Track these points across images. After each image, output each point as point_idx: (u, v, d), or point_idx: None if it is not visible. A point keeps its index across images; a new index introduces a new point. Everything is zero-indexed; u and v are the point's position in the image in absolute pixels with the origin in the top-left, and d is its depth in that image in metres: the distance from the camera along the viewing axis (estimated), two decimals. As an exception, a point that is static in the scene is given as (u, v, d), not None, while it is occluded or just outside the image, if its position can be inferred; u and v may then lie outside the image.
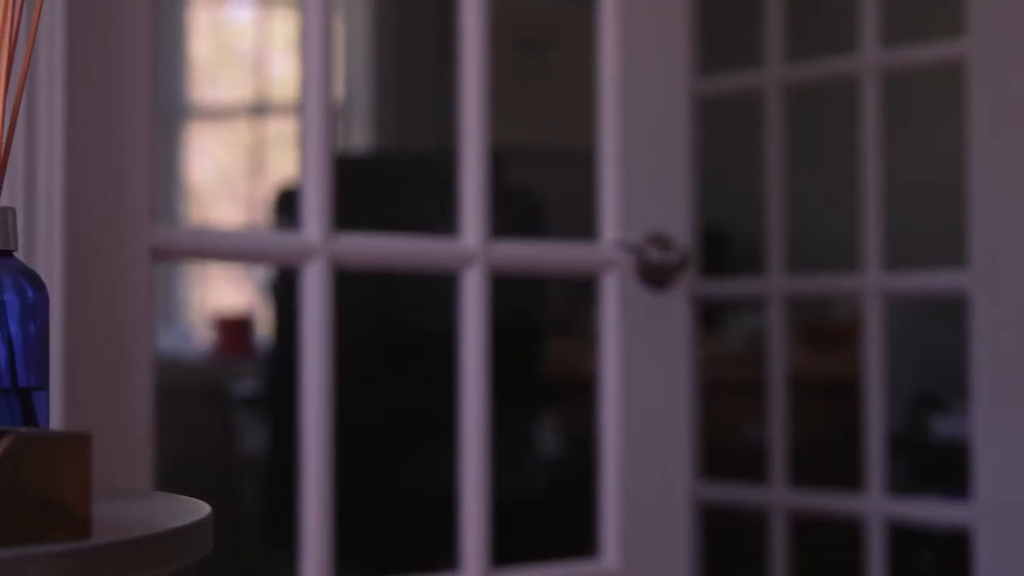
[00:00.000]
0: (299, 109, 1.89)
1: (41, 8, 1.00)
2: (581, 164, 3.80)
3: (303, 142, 1.86)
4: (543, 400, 3.50)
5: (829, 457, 3.05)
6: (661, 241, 2.06)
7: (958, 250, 2.56)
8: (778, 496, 2.79)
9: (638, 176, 2.07)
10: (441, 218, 2.61)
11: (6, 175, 0.97)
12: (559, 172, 3.83)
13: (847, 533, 2.84)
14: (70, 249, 1.57)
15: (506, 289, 3.04)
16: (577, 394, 3.55)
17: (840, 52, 2.82)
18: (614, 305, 2.05)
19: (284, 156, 5.16)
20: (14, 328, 0.96)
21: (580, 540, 2.78)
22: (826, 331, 3.28)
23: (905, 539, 2.74)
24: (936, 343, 3.15)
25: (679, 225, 2.09)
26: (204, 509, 0.94)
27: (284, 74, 5.39)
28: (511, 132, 3.82)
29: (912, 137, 3.06)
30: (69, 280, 1.57)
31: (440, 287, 2.64)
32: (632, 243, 2.05)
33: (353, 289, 1.90)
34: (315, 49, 1.83)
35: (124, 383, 1.66)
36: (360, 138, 4.26)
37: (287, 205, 3.04)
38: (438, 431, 2.59)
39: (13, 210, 0.98)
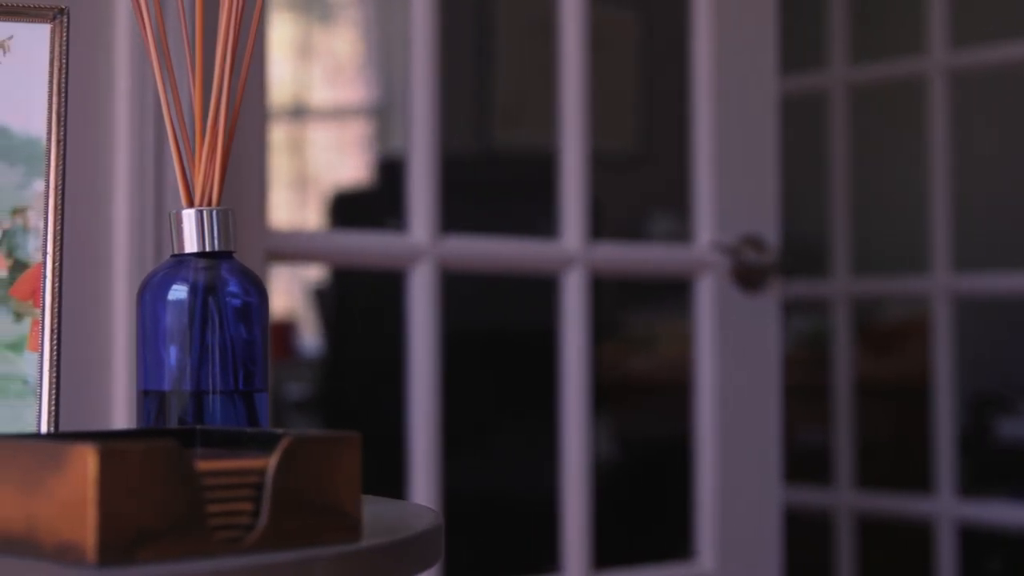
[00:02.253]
0: (380, 111, 1.87)
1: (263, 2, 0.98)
2: (622, 166, 3.79)
3: (409, 144, 1.84)
4: (597, 404, 3.49)
5: (885, 459, 3.05)
6: (755, 243, 2.05)
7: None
8: (844, 498, 2.78)
9: (731, 178, 2.06)
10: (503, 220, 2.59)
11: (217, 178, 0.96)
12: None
13: (903, 534, 2.84)
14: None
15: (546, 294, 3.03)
16: (624, 397, 3.54)
17: (906, 53, 2.81)
18: (709, 307, 2.04)
19: (280, 160, 5.11)
20: (237, 329, 0.95)
21: (641, 542, 2.77)
22: (880, 333, 3.28)
23: (972, 541, 2.74)
24: (995, 343, 3.15)
25: (770, 226, 2.09)
26: (431, 512, 0.93)
27: (277, 77, 5.36)
28: (550, 135, 3.81)
29: (975, 139, 3.06)
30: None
31: (508, 285, 2.63)
32: (728, 244, 2.04)
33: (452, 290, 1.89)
34: (421, 51, 1.82)
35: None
36: (402, 140, 4.24)
37: (343, 210, 3.02)
38: (528, 431, 2.58)
39: (232, 211, 0.97)
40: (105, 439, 0.81)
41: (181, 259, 0.96)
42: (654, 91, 3.89)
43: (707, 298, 2.04)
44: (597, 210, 3.42)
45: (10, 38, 1.01)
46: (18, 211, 0.99)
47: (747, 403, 2.06)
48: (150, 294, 0.95)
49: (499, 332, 2.93)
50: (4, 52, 1.00)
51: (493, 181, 3.30)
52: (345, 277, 2.88)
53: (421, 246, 1.81)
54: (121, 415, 1.51)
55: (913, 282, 2.81)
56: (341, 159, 5.10)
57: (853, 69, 2.81)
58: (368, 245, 1.85)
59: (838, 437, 2.79)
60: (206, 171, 0.96)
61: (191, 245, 0.96)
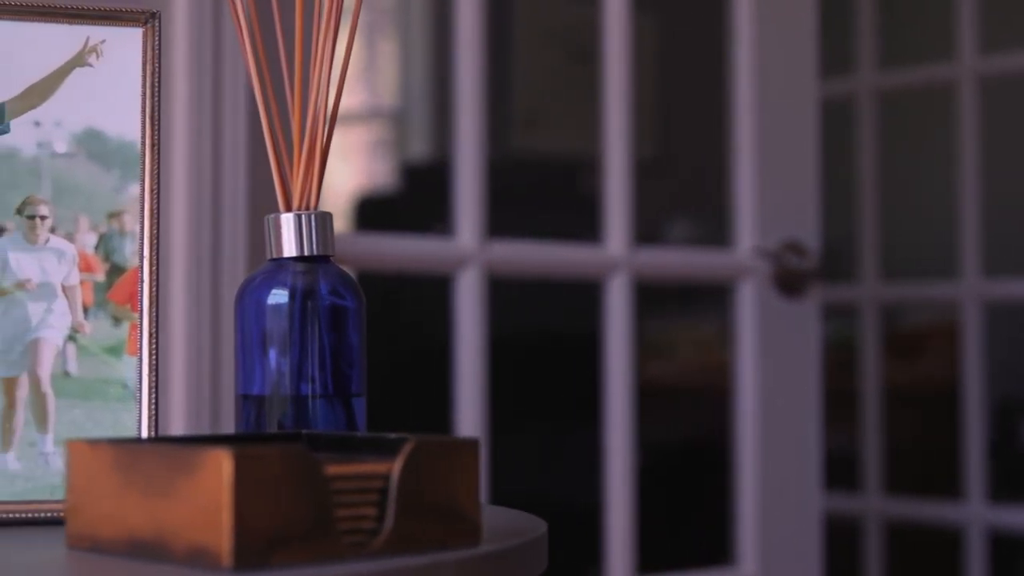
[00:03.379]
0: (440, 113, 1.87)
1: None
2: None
3: (456, 147, 1.84)
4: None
5: (910, 465, 3.05)
6: (796, 248, 2.05)
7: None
8: (873, 504, 2.78)
9: (771, 182, 2.06)
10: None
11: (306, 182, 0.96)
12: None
13: (932, 540, 2.84)
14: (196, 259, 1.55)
15: (584, 299, 3.02)
16: (643, 403, 3.53)
17: (935, 59, 2.81)
18: (750, 313, 2.04)
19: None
20: (335, 333, 0.95)
21: (670, 545, 2.77)
22: (903, 338, 3.27)
23: (1002, 547, 2.74)
24: (1019, 347, 3.14)
25: (810, 231, 2.09)
26: (533, 519, 0.93)
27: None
28: (568, 141, 3.81)
29: (1004, 145, 3.06)
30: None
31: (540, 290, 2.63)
32: (770, 250, 2.04)
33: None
34: (468, 51, 1.82)
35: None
36: (416, 146, 4.24)
37: (366, 215, 3.02)
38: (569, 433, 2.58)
39: (330, 215, 0.97)
40: (229, 443, 0.81)
41: (280, 263, 0.96)
42: (671, 96, 3.90)
43: (748, 303, 2.04)
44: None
45: (102, 42, 1.00)
46: (114, 215, 0.98)
47: (788, 409, 2.06)
48: (249, 298, 0.95)
49: (530, 335, 2.93)
50: (97, 56, 1.00)
51: (512, 186, 3.30)
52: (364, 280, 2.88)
53: (468, 251, 1.81)
54: (178, 422, 1.50)
55: (942, 288, 2.81)
56: (344, 165, 5.10)
57: (881, 75, 2.81)
58: (415, 250, 1.85)
59: (866, 443, 2.79)
60: (305, 175, 0.96)
61: (290, 249, 0.95)
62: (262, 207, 1.57)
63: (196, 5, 1.50)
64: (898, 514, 2.80)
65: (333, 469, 0.74)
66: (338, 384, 0.95)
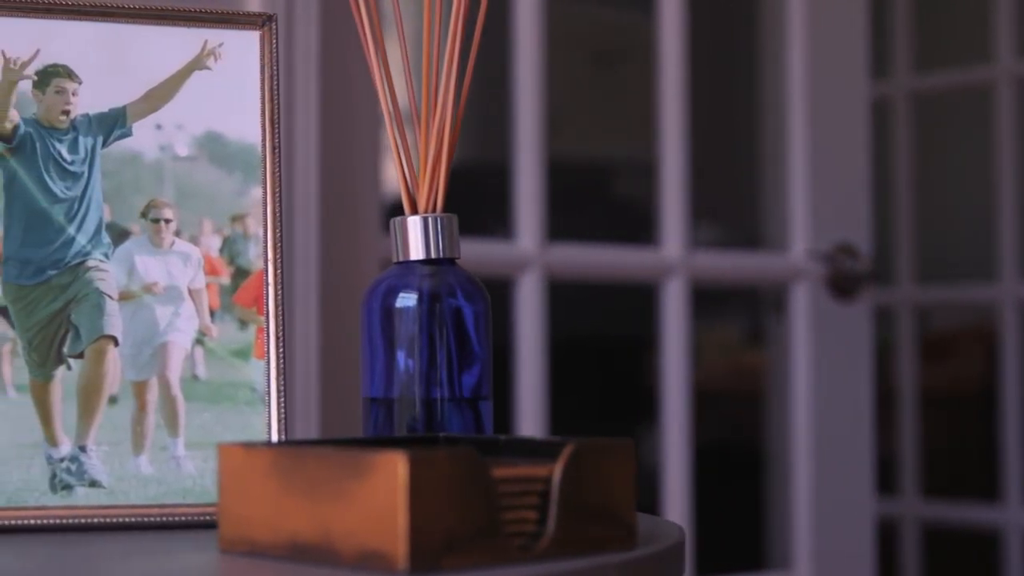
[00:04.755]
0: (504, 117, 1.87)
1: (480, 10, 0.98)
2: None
3: (515, 153, 1.84)
4: (646, 414, 3.49)
5: (943, 468, 3.05)
6: (849, 250, 2.05)
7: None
8: (910, 507, 2.78)
9: (824, 185, 2.06)
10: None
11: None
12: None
13: (969, 543, 2.84)
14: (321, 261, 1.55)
15: (618, 302, 3.02)
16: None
17: (971, 61, 2.82)
18: (804, 316, 2.04)
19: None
20: (463, 336, 0.95)
21: (706, 548, 2.76)
22: (933, 342, 3.28)
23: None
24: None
25: (863, 234, 2.09)
26: (666, 522, 0.92)
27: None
28: (595, 145, 3.81)
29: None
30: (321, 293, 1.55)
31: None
32: (824, 252, 2.04)
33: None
34: (528, 55, 1.82)
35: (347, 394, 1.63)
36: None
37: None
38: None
39: (456, 217, 0.96)
40: (384, 446, 0.81)
41: (407, 266, 0.96)
42: (691, 100, 3.90)
43: (802, 306, 2.04)
44: (646, 219, 3.43)
45: (220, 45, 1.00)
46: (237, 218, 0.98)
47: (841, 413, 2.06)
48: (376, 301, 0.95)
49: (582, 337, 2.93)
50: (215, 59, 1.00)
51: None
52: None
53: (529, 254, 1.81)
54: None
55: (979, 290, 2.81)
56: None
57: (917, 77, 2.82)
58: (478, 253, 1.84)
59: (903, 446, 2.80)
60: (431, 178, 0.96)
61: (417, 252, 0.95)
62: (326, 207, 1.57)
63: (310, 9, 1.50)
64: (934, 517, 2.80)
65: (499, 472, 0.74)
66: (465, 387, 0.95)
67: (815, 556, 2.02)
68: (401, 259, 0.96)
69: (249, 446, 0.79)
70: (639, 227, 3.37)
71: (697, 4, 2.01)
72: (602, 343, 3.34)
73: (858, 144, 2.10)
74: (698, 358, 3.62)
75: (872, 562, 2.09)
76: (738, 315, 3.66)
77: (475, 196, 2.80)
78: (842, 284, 2.05)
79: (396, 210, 1.36)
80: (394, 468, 0.71)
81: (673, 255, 1.93)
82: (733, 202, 3.07)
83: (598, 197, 3.36)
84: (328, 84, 1.57)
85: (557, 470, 0.76)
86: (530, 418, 1.80)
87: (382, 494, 0.71)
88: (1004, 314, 2.65)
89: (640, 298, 3.55)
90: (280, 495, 0.76)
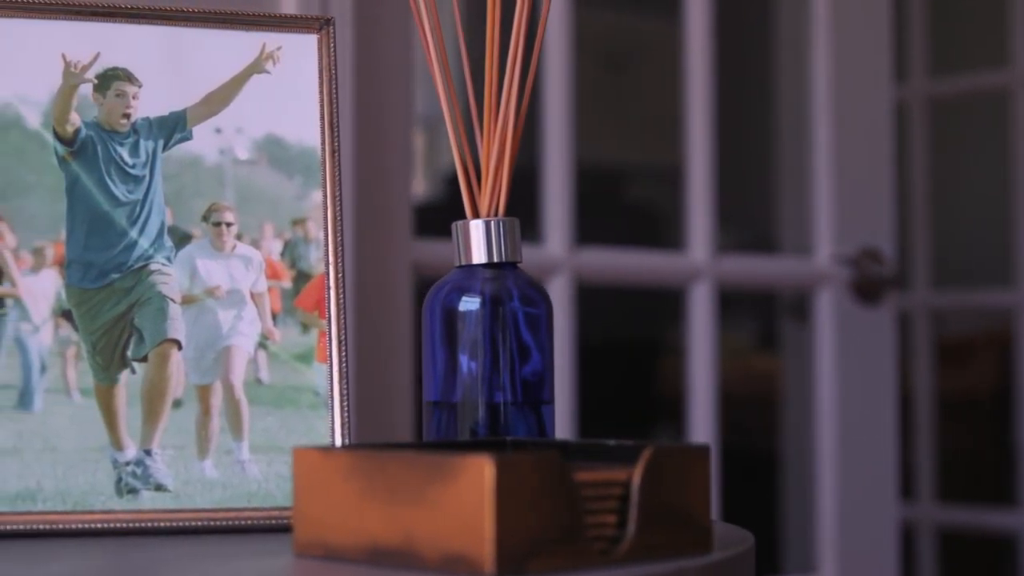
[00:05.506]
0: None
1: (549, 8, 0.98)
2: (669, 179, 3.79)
3: (544, 159, 1.84)
4: (657, 420, 3.50)
5: (957, 473, 3.05)
6: (874, 255, 2.05)
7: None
8: (927, 512, 2.78)
9: (848, 189, 2.06)
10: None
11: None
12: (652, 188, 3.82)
13: (985, 548, 2.84)
14: (355, 265, 1.55)
15: (625, 308, 3.02)
16: (681, 410, 3.54)
17: (988, 66, 2.82)
18: (829, 320, 2.04)
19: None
20: (525, 340, 0.95)
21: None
22: (947, 347, 3.28)
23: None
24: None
25: (887, 238, 2.09)
26: (731, 526, 0.92)
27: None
28: (601, 149, 3.81)
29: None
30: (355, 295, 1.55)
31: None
32: (850, 257, 2.04)
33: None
34: (558, 63, 1.82)
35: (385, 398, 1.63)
36: (448, 153, 4.25)
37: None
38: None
39: (518, 220, 0.96)
40: (461, 450, 0.81)
41: (469, 269, 0.95)
42: (680, 102, 3.90)
43: (827, 311, 2.04)
44: (659, 224, 3.43)
45: (278, 49, 1.00)
46: (298, 222, 0.98)
47: (865, 418, 2.06)
48: (439, 305, 0.95)
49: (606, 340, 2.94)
50: (274, 63, 1.00)
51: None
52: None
53: (558, 258, 1.81)
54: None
55: (995, 295, 2.81)
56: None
57: (933, 82, 2.82)
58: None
59: (919, 451, 2.80)
60: (494, 181, 0.96)
61: (479, 256, 0.95)
62: (358, 209, 1.57)
63: (344, 14, 1.50)
64: (950, 521, 2.80)
65: (581, 476, 0.74)
66: (528, 391, 0.94)
67: (840, 560, 2.02)
68: (463, 263, 0.96)
69: (325, 450, 0.79)
70: (651, 231, 3.38)
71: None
72: (615, 347, 3.34)
73: (882, 148, 2.10)
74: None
75: (896, 566, 2.09)
76: (750, 319, 3.66)
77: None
78: (867, 288, 2.05)
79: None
80: (481, 472, 0.71)
81: (700, 259, 1.93)
82: (747, 207, 3.07)
83: (609, 201, 3.36)
84: (361, 88, 1.57)
85: (637, 474, 0.76)
86: (560, 421, 1.79)
87: (468, 498, 0.71)
88: (1020, 319, 2.65)
89: (649, 302, 3.55)
90: (359, 499, 0.76)
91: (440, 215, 3.05)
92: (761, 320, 3.73)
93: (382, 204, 1.63)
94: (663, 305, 3.64)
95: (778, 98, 2.43)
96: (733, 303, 3.35)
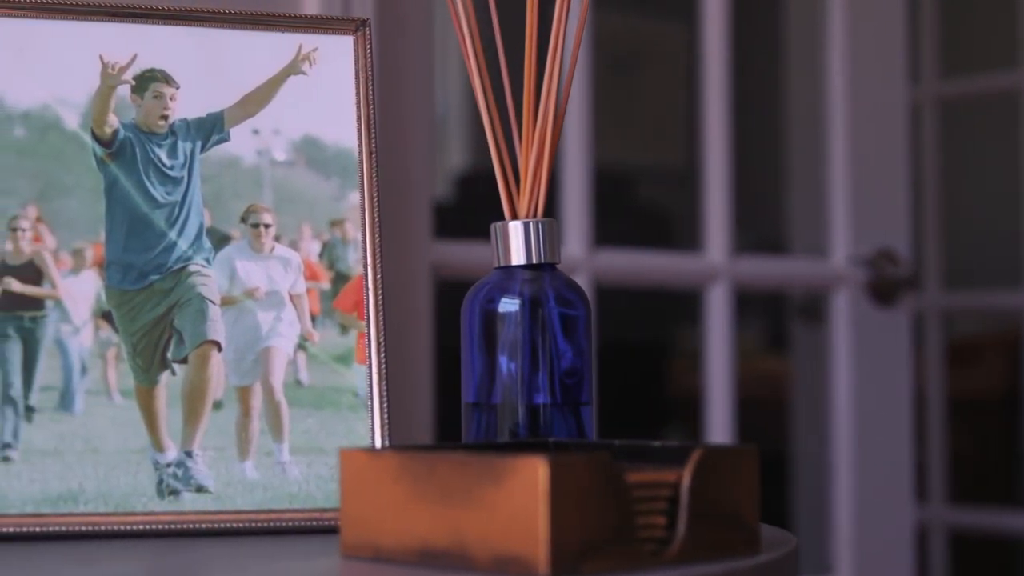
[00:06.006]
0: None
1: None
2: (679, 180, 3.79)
3: (563, 160, 1.84)
4: (670, 418, 3.50)
5: (966, 474, 3.05)
6: (890, 256, 2.06)
7: None
8: (937, 513, 2.78)
9: (864, 190, 2.06)
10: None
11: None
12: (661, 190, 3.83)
13: (994, 549, 2.84)
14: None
15: (634, 309, 3.02)
16: (691, 413, 3.54)
17: (999, 67, 2.82)
18: (845, 321, 2.04)
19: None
20: (564, 341, 0.95)
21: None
22: (955, 348, 3.28)
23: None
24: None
25: (902, 239, 2.09)
26: (773, 528, 0.92)
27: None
28: (607, 150, 3.81)
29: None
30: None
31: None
32: (866, 258, 2.04)
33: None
34: (580, 65, 1.82)
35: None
36: (455, 154, 4.24)
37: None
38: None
39: (556, 222, 0.96)
40: (510, 451, 0.81)
41: (508, 271, 0.95)
42: (696, 103, 3.91)
43: (843, 312, 2.04)
44: (667, 225, 3.43)
45: (315, 50, 1.00)
46: (336, 223, 0.98)
47: (881, 419, 2.06)
48: (478, 306, 0.95)
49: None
50: (310, 64, 1.00)
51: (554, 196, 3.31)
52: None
53: (577, 259, 1.81)
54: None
55: (1004, 297, 2.81)
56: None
57: (944, 83, 2.82)
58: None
59: (930, 453, 2.80)
60: (532, 182, 0.96)
61: (518, 257, 0.95)
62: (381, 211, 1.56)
63: (366, 14, 1.50)
64: (960, 523, 2.80)
65: (632, 477, 0.74)
66: (567, 392, 0.94)
67: (856, 561, 2.02)
68: (502, 264, 0.96)
69: (373, 451, 0.79)
70: (660, 232, 3.38)
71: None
72: (624, 348, 3.35)
73: (897, 149, 2.10)
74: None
75: (912, 567, 2.09)
76: (757, 320, 3.66)
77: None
78: (882, 289, 2.05)
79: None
80: (535, 473, 0.71)
81: (717, 260, 1.93)
82: (750, 208, 3.07)
83: (617, 203, 3.36)
84: (382, 90, 1.57)
85: (686, 475, 0.76)
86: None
87: (521, 499, 0.71)
88: (1033, 320, 2.65)
89: (657, 303, 3.55)
90: (408, 500, 0.76)
91: (449, 216, 3.07)
92: (769, 321, 3.74)
93: (402, 206, 1.63)
94: (671, 307, 3.65)
95: (786, 99, 2.43)
96: (741, 304, 3.35)
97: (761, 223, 3.28)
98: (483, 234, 1.79)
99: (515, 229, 0.95)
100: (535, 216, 0.96)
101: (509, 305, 0.94)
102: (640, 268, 1.95)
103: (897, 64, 2.10)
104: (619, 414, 3.27)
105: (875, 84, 2.08)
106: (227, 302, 0.94)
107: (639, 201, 3.47)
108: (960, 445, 3.14)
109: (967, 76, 2.90)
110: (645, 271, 1.96)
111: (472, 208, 2.75)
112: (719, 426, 1.93)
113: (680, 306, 3.60)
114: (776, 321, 3.50)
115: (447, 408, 1.69)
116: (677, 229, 3.45)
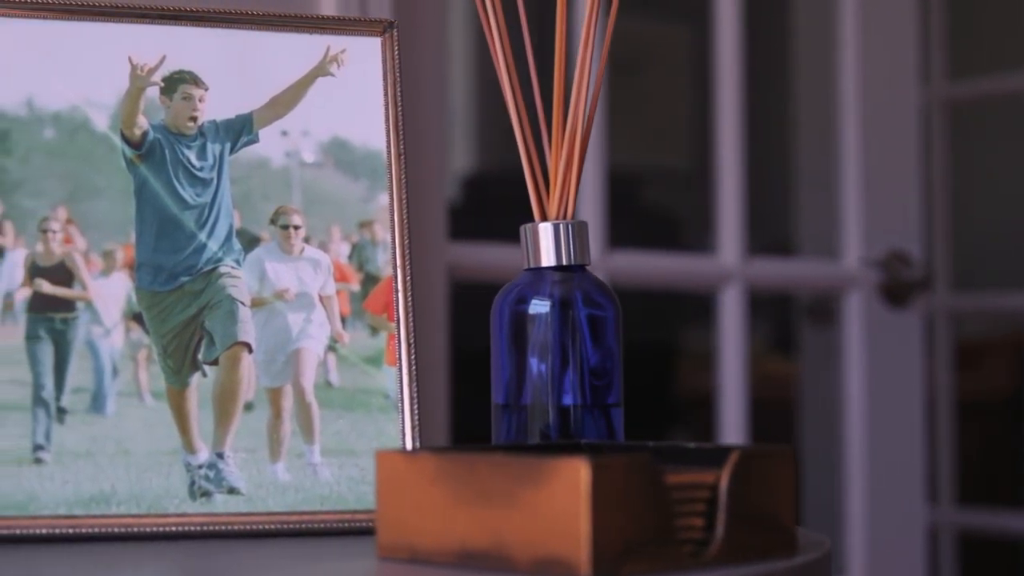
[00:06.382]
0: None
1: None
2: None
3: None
4: (674, 421, 3.50)
5: (976, 475, 3.05)
6: (902, 258, 2.06)
7: None
8: (946, 515, 2.78)
9: (876, 192, 2.07)
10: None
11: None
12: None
13: (1002, 551, 2.84)
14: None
15: (640, 311, 3.02)
16: (699, 414, 3.54)
17: (1007, 69, 2.83)
18: (858, 323, 2.04)
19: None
20: (594, 343, 0.95)
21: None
22: (962, 349, 3.28)
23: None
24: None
25: (915, 241, 2.09)
26: (804, 530, 0.92)
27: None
28: (614, 152, 3.81)
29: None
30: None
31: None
32: (878, 260, 2.04)
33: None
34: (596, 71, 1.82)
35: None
36: (461, 156, 4.24)
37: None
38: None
39: (586, 223, 0.96)
40: (547, 453, 0.81)
41: (538, 273, 0.95)
42: (707, 105, 3.91)
43: (856, 314, 2.04)
44: (675, 227, 3.43)
45: (343, 51, 1.00)
46: (365, 224, 0.98)
47: (893, 421, 2.06)
48: (508, 308, 0.95)
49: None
50: (338, 66, 1.00)
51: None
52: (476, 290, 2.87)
53: (593, 260, 1.81)
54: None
55: (1012, 298, 2.81)
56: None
57: (953, 86, 2.82)
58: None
59: (939, 455, 2.80)
60: (563, 184, 0.95)
61: (548, 259, 0.95)
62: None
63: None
64: (969, 524, 2.80)
65: (672, 478, 0.74)
66: (597, 394, 0.94)
67: (868, 562, 2.02)
68: (532, 266, 0.96)
69: (409, 453, 0.79)
70: (667, 234, 3.37)
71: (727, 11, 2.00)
72: (630, 349, 3.34)
73: (909, 150, 2.10)
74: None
75: (924, 568, 2.09)
76: (762, 322, 3.66)
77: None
78: (895, 291, 2.05)
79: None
80: (576, 474, 0.70)
81: (730, 262, 1.93)
82: (761, 209, 3.07)
83: (624, 204, 3.36)
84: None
85: (724, 476, 0.76)
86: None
87: (562, 500, 0.71)
88: (1042, 321, 2.65)
89: (664, 305, 3.55)
90: (446, 501, 0.76)
91: (457, 218, 3.04)
92: (774, 323, 3.74)
93: (419, 207, 1.63)
94: (677, 308, 3.65)
95: (792, 101, 2.43)
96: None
97: (768, 225, 3.28)
98: (491, 236, 1.80)
99: (545, 231, 0.95)
100: (565, 217, 0.96)
101: (539, 306, 0.94)
102: (653, 270, 1.95)
103: (909, 65, 2.10)
104: (625, 415, 3.27)
105: (887, 85, 2.08)
106: (257, 304, 0.94)
107: (645, 202, 3.47)
108: (966, 447, 3.14)
109: (976, 78, 2.90)
110: (658, 273, 1.96)
111: (478, 210, 2.76)
112: (732, 427, 1.93)
113: (686, 308, 3.61)
114: (782, 323, 3.49)
115: (463, 409, 1.69)
116: (683, 230, 3.45)
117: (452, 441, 1.66)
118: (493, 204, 3.03)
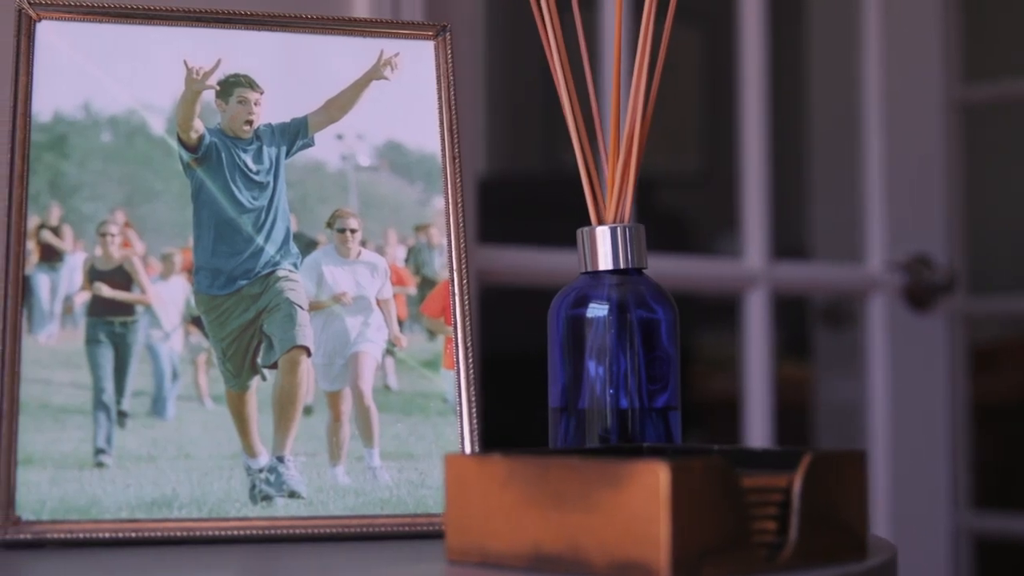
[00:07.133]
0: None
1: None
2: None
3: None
4: (692, 424, 3.49)
5: (990, 479, 3.05)
6: (926, 261, 2.06)
7: None
8: (963, 519, 2.78)
9: (899, 195, 2.07)
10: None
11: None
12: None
13: (1014, 554, 2.84)
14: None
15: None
16: (713, 418, 3.54)
17: (1020, 73, 2.83)
18: (881, 327, 2.04)
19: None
20: (652, 347, 0.94)
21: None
22: (974, 353, 3.28)
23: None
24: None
25: (939, 244, 2.09)
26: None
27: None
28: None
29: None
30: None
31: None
32: (902, 263, 2.04)
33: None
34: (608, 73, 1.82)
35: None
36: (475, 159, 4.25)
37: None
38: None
39: (643, 227, 0.96)
40: (618, 456, 0.80)
41: (595, 276, 0.95)
42: (718, 108, 3.92)
43: (879, 317, 2.04)
44: (683, 229, 3.43)
45: (396, 55, 1.00)
46: (421, 228, 0.98)
47: (917, 425, 2.06)
48: (566, 312, 0.95)
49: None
50: (392, 69, 1.00)
51: (562, 200, 3.30)
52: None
53: (619, 265, 1.81)
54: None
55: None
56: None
57: (966, 88, 2.82)
58: (553, 264, 1.82)
59: (957, 460, 2.79)
60: (620, 188, 0.96)
61: (605, 262, 0.95)
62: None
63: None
64: (986, 529, 2.80)
65: (747, 482, 0.74)
66: (655, 397, 0.94)
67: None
68: (589, 269, 0.96)
69: (479, 456, 0.79)
70: (678, 237, 3.37)
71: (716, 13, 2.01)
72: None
73: (934, 153, 2.11)
74: (733, 370, 3.61)
75: (949, 573, 2.09)
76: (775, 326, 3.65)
77: (542, 205, 2.80)
78: (918, 295, 2.06)
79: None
80: (655, 477, 0.70)
81: (756, 266, 1.93)
82: (775, 213, 3.07)
83: (636, 207, 3.36)
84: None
85: (797, 480, 0.76)
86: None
87: (640, 504, 0.71)
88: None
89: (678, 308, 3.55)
90: (519, 505, 0.76)
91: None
92: (788, 327, 3.73)
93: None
94: (692, 312, 3.64)
95: (808, 104, 2.43)
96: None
97: (782, 229, 3.28)
98: (503, 239, 1.80)
99: (602, 234, 0.95)
100: (622, 221, 0.96)
101: (597, 310, 0.94)
102: (679, 273, 1.95)
103: (934, 67, 2.11)
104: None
105: (911, 87, 2.08)
106: (315, 307, 0.94)
107: (656, 206, 3.47)
108: (981, 450, 3.14)
109: (989, 81, 2.90)
110: (683, 276, 1.96)
111: (489, 213, 2.74)
112: (757, 431, 1.93)
113: (700, 311, 3.60)
114: (795, 327, 3.49)
115: (494, 413, 1.69)
116: (696, 233, 3.45)
117: (485, 446, 1.66)
118: (505, 207, 3.03)
